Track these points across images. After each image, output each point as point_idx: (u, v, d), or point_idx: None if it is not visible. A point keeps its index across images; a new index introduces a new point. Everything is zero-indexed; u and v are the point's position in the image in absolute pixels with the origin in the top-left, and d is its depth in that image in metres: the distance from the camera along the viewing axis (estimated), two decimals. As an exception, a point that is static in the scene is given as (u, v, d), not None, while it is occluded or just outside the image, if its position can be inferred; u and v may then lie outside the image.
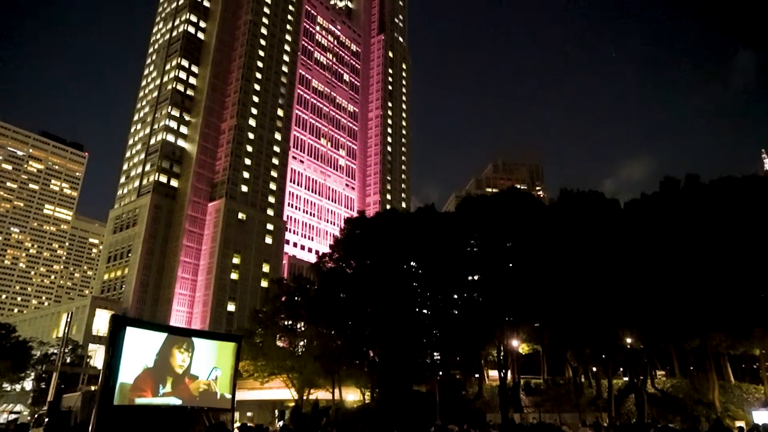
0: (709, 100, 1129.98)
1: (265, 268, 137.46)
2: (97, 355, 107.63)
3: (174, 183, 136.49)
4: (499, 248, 64.58)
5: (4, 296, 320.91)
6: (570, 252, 57.44)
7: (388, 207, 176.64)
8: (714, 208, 54.51)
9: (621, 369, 75.75)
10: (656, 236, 54.98)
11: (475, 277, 67.17)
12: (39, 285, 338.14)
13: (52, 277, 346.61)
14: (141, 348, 22.70)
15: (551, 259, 58.17)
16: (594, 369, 69.83)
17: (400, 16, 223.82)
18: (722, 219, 53.10)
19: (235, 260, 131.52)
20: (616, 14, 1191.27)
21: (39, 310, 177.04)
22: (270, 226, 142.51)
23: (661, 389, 66.65)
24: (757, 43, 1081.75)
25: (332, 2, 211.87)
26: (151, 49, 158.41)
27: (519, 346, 70.29)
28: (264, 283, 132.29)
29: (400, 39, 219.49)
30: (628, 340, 58.51)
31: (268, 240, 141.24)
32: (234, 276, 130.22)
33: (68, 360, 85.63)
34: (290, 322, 70.29)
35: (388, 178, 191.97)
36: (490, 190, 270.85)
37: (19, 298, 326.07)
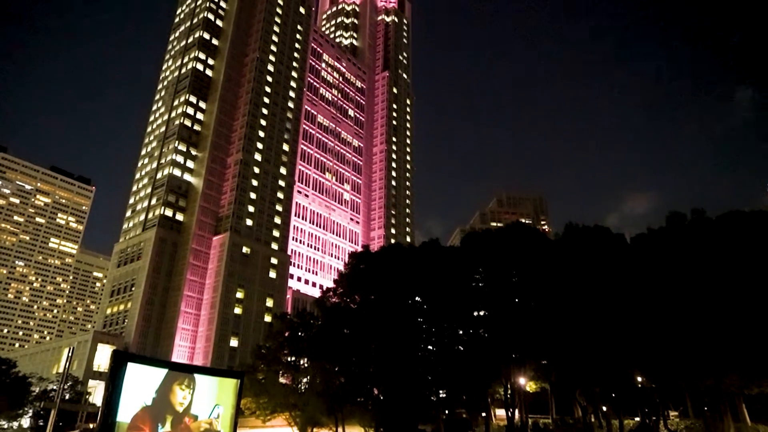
0: (710, 135, 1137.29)
1: (269, 303, 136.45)
2: (96, 392, 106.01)
3: (179, 217, 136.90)
4: (504, 283, 63.89)
5: (5, 330, 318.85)
6: (577, 288, 56.71)
7: (392, 241, 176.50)
8: (723, 244, 53.94)
9: (632, 409, 73.81)
10: (665, 272, 54.26)
11: (481, 313, 66.25)
12: (41, 319, 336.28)
13: (55, 311, 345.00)
14: (141, 385, 22.21)
15: (558, 294, 57.41)
16: (604, 408, 68.09)
17: (404, 54, 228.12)
18: (732, 255, 52.46)
19: (239, 294, 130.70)
20: (615, 53, 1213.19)
21: (40, 345, 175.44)
22: (274, 260, 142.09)
23: (675, 430, 64.76)
24: (755, 81, 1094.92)
25: (338, 40, 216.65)
26: (160, 86, 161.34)
27: (526, 384, 68.79)
28: (267, 318, 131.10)
29: (404, 75, 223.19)
30: (640, 379, 57.16)
31: (272, 274, 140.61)
32: (237, 310, 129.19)
33: (67, 396, 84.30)
34: (293, 358, 69.15)
35: (393, 212, 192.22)
36: (494, 224, 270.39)
37: (20, 333, 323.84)
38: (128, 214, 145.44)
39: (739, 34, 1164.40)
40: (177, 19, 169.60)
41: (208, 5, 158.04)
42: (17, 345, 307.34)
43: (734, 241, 53.69)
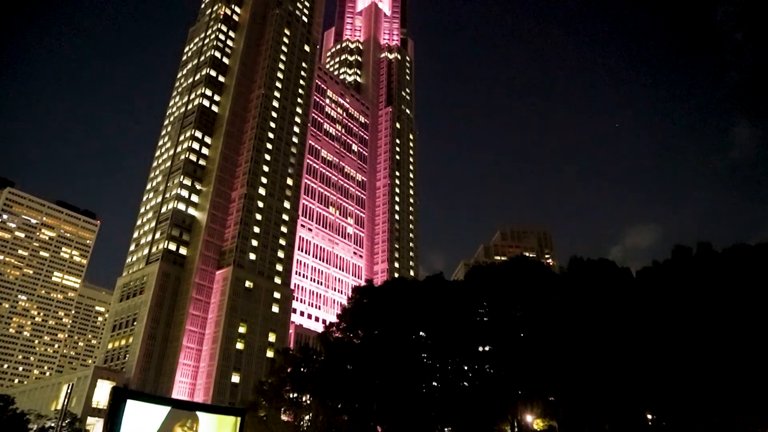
0: (710, 169, 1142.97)
1: (271, 338, 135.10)
2: (95, 430, 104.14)
3: (183, 251, 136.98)
4: (509, 318, 63.25)
5: (5, 366, 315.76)
6: (584, 322, 56.06)
7: (396, 275, 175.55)
8: (730, 279, 53.48)
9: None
10: (673, 307, 53.68)
11: (486, 348, 65.37)
12: (42, 354, 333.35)
13: (56, 345, 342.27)
14: (141, 423, 21.80)
15: (564, 329, 56.70)
16: (614, 447, 66.23)
17: (407, 90, 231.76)
18: (739, 290, 51.93)
19: (241, 329, 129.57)
20: (614, 86, 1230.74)
21: (39, 381, 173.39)
22: (277, 295, 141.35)
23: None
24: (752, 116, 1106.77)
25: (342, 77, 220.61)
26: (166, 121, 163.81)
27: (533, 421, 67.21)
28: (270, 353, 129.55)
29: (407, 111, 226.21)
30: (650, 417, 55.90)
31: (275, 309, 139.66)
32: (239, 346, 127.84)
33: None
34: (295, 395, 68.07)
35: (396, 246, 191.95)
36: (498, 258, 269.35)
37: (20, 368, 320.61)
38: (132, 248, 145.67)
39: (735, 71, 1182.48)
40: (185, 57, 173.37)
41: (215, 43, 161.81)
42: (17, 381, 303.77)
43: (741, 276, 53.23)
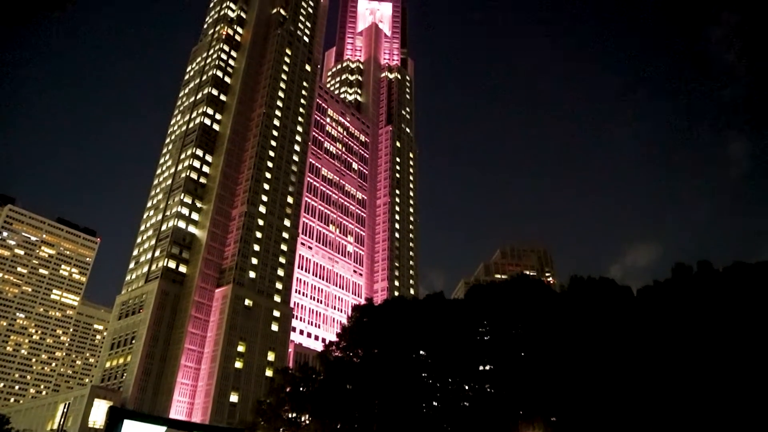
0: (708, 186, 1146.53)
1: (270, 357, 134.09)
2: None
3: (182, 269, 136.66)
4: (510, 337, 62.89)
5: (1, 384, 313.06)
6: (585, 342, 55.73)
7: (396, 294, 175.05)
8: (731, 297, 53.30)
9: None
10: (675, 327, 53.41)
11: (487, 367, 64.87)
12: (39, 373, 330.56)
13: (53, 364, 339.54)
14: (138, 443, 21.55)
15: (565, 348, 56.35)
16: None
17: (407, 109, 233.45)
18: (742, 309, 51.72)
19: (240, 348, 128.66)
20: (613, 104, 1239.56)
21: (36, 400, 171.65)
22: (276, 313, 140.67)
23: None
24: (748, 132, 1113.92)
25: (342, 96, 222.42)
26: (168, 140, 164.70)
27: (535, 442, 66.42)
28: (269, 372, 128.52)
29: (407, 129, 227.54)
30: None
31: (275, 327, 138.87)
32: (238, 364, 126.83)
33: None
34: (294, 415, 67.37)
35: (396, 264, 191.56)
36: (499, 276, 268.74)
37: (17, 387, 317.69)
38: (131, 265, 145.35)
39: (729, 89, 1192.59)
40: (187, 76, 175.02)
41: (217, 63, 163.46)
42: (12, 400, 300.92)
43: (743, 295, 53.07)
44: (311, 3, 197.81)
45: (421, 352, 66.70)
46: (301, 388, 66.65)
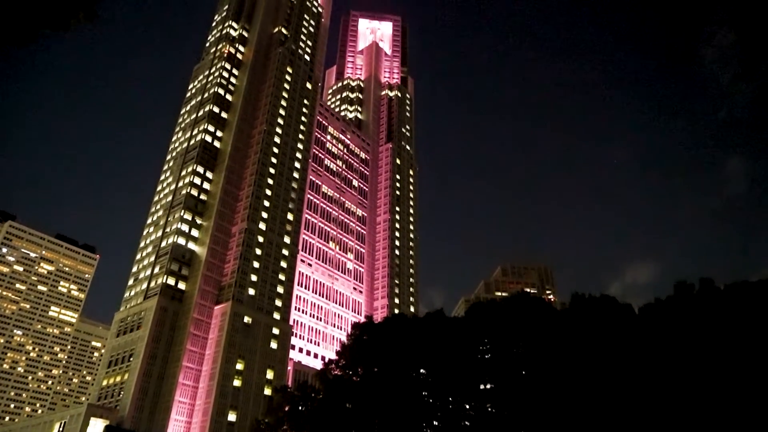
0: (706, 204, 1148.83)
1: (269, 375, 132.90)
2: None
3: (181, 285, 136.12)
4: (511, 355, 62.39)
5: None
6: (587, 360, 55.26)
7: (396, 311, 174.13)
8: (734, 316, 53.00)
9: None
10: (677, 346, 53.01)
11: (488, 386, 64.24)
12: (35, 391, 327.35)
13: (50, 382, 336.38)
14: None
15: (567, 367, 55.85)
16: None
17: (407, 126, 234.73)
18: (745, 328, 51.38)
19: (239, 366, 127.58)
20: (613, 122, 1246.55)
21: (31, 419, 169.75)
22: (276, 331, 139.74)
23: None
24: (744, 152, 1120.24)
25: (343, 114, 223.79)
26: (168, 156, 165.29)
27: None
28: (267, 391, 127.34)
29: (407, 147, 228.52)
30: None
31: (274, 345, 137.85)
32: (237, 383, 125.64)
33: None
34: (293, 435, 66.46)
35: (396, 281, 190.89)
36: (499, 294, 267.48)
37: (12, 405, 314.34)
38: (130, 282, 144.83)
39: (725, 109, 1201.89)
40: (189, 94, 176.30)
41: (219, 81, 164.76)
42: (7, 418, 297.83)
43: (745, 314, 52.77)
44: (312, 22, 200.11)
45: (422, 370, 66.10)
46: (300, 407, 65.92)
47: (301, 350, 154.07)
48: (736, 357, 50.58)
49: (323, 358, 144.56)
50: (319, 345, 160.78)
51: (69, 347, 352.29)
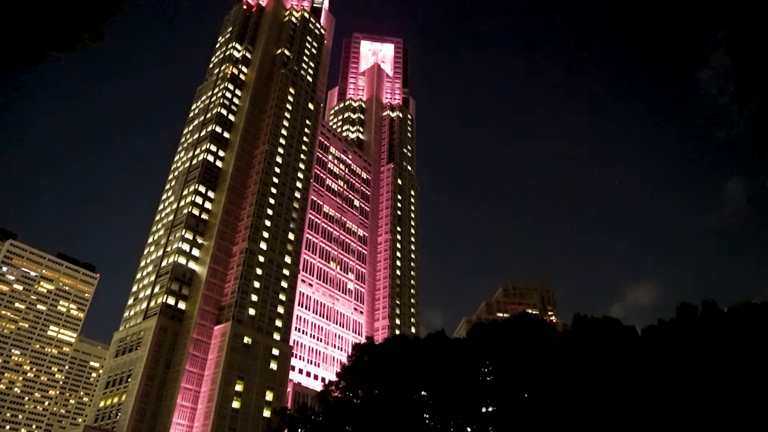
0: (706, 224, 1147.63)
1: (269, 396, 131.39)
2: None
3: (181, 305, 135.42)
4: (513, 377, 61.68)
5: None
6: (590, 383, 54.59)
7: (397, 332, 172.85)
8: (739, 339, 52.47)
9: None
10: (682, 369, 52.40)
11: (490, 409, 63.36)
12: (31, 412, 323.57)
13: (46, 403, 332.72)
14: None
15: (570, 390, 55.16)
16: None
17: (408, 147, 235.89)
18: (750, 351, 50.82)
19: (238, 387, 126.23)
20: (613, 142, 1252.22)
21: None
22: (276, 352, 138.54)
23: None
24: (742, 172, 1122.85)
25: (345, 134, 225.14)
26: (171, 176, 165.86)
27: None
28: (267, 413, 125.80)
29: (408, 167, 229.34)
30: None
31: (273, 366, 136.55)
32: (236, 404, 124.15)
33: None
34: (292, 458, 65.43)
35: (397, 302, 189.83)
36: (501, 314, 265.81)
37: (8, 427, 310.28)
38: (130, 302, 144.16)
39: (722, 130, 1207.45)
40: (191, 114, 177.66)
41: (222, 101, 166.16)
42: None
43: (750, 336, 52.25)
44: (315, 44, 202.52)
45: (423, 392, 65.30)
46: (299, 430, 64.99)
47: (301, 371, 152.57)
48: (742, 381, 49.95)
49: (323, 379, 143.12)
50: (319, 366, 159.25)
51: (67, 367, 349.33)
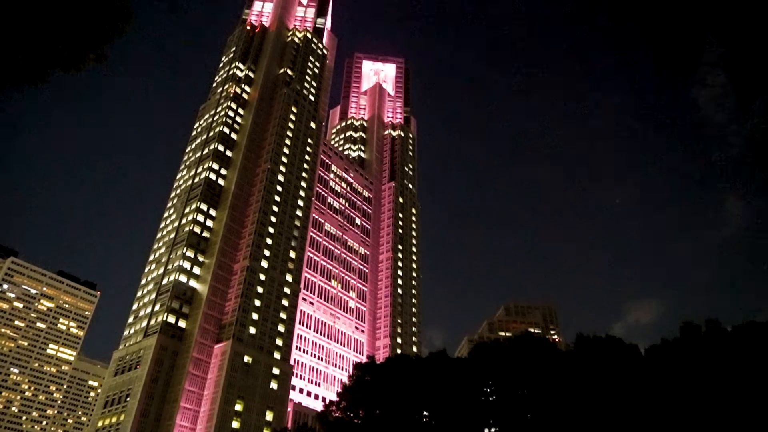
0: (706, 243, 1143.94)
1: (269, 416, 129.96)
2: None
3: (182, 323, 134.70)
4: (516, 397, 61.05)
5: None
6: (593, 403, 53.99)
7: (398, 351, 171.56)
8: (743, 358, 52.00)
9: None
10: (686, 389, 51.85)
11: (492, 429, 62.65)
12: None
13: (44, 422, 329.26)
14: None
15: (573, 410, 54.54)
16: None
17: (410, 165, 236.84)
18: (755, 370, 50.33)
19: (238, 407, 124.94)
20: (614, 160, 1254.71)
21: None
22: (276, 371, 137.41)
23: None
24: (740, 191, 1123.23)
25: (346, 152, 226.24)
26: (173, 194, 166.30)
27: None
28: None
29: (410, 186, 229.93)
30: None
31: (274, 385, 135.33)
32: (235, 424, 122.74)
33: None
34: (292, 480, 64.55)
35: (399, 321, 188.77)
36: (503, 333, 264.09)
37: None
38: (130, 320, 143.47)
39: (719, 149, 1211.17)
40: (194, 132, 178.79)
41: (224, 120, 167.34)
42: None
43: (755, 356, 51.78)
44: (317, 64, 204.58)
45: (425, 413, 64.63)
46: (299, 451, 64.22)
47: (301, 391, 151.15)
48: (747, 401, 49.38)
49: (324, 399, 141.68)
50: (319, 385, 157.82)
51: (65, 386, 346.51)
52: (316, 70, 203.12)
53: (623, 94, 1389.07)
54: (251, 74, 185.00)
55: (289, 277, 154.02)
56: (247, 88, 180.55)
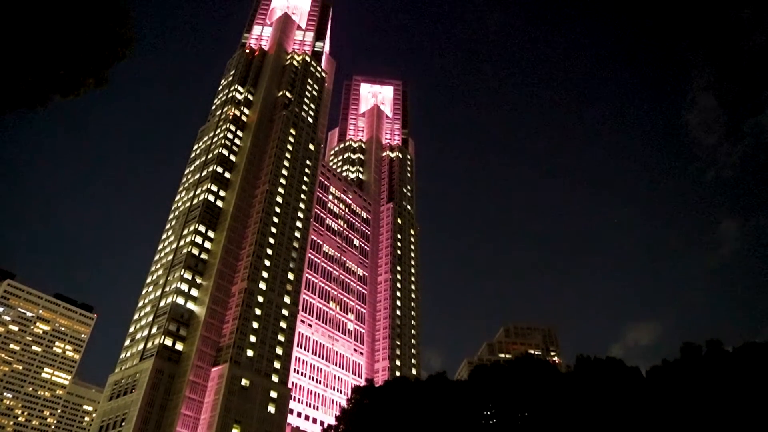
0: (703, 264, 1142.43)
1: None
2: None
3: (179, 346, 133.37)
4: (517, 420, 60.26)
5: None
6: (594, 425, 53.31)
7: (397, 374, 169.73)
8: (745, 379, 51.54)
9: None
10: (688, 411, 51.28)
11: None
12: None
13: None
14: None
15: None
16: None
17: (408, 186, 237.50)
18: (756, 391, 49.85)
19: (235, 431, 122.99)
20: (611, 182, 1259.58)
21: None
22: (274, 394, 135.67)
23: None
24: (735, 212, 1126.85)
25: (345, 174, 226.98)
26: (171, 216, 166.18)
27: None
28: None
29: (408, 207, 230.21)
30: None
31: (271, 409, 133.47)
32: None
33: None
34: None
35: (398, 343, 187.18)
36: (503, 355, 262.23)
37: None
38: (127, 342, 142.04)
39: (712, 171, 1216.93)
40: (193, 155, 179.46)
41: (223, 142, 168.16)
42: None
43: (756, 377, 51.32)
44: (316, 86, 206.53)
45: (424, 437, 63.65)
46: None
47: (299, 414, 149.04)
48: (752, 421, 48.80)
49: (322, 423, 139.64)
50: (318, 409, 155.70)
51: (59, 411, 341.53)
52: (315, 93, 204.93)
53: (620, 113, 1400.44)
54: (250, 97, 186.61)
55: (287, 299, 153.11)
56: (246, 111, 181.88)
